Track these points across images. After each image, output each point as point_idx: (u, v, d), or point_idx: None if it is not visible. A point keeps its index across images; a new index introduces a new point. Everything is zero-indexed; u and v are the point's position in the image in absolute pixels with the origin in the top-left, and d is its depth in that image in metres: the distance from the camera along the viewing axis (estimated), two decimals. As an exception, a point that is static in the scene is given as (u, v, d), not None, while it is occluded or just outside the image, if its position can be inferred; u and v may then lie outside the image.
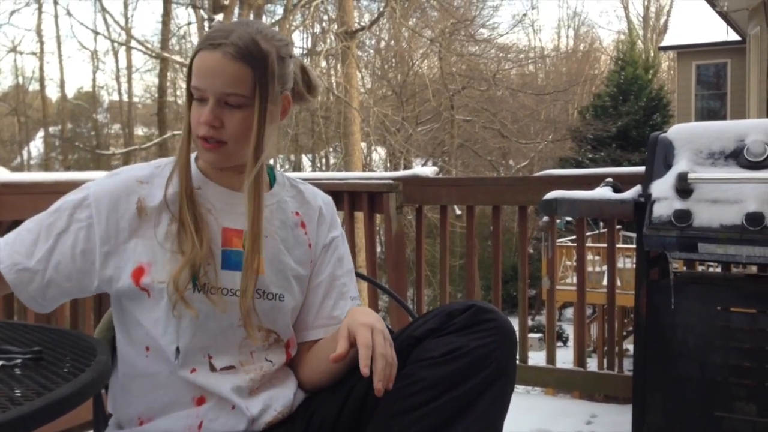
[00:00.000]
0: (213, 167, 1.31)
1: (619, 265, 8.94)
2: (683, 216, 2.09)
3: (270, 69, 1.24)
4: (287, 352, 1.35)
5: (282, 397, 1.30)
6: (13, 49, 20.81)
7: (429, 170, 3.60)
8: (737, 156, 2.13)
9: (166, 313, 1.22)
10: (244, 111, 1.24)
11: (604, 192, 2.41)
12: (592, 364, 3.34)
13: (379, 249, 5.01)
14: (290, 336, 1.36)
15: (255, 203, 1.26)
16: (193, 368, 1.24)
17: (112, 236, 1.24)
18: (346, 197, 3.35)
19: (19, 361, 1.03)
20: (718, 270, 3.06)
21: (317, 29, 16.50)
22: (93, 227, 1.24)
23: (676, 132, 2.27)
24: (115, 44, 19.78)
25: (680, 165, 2.16)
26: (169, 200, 1.27)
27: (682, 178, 2.11)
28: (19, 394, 0.89)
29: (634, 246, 2.55)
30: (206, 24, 14.30)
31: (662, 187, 2.16)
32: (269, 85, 1.24)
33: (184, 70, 17.98)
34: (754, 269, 2.67)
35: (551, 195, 2.42)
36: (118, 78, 22.11)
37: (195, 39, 17.36)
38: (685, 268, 3.17)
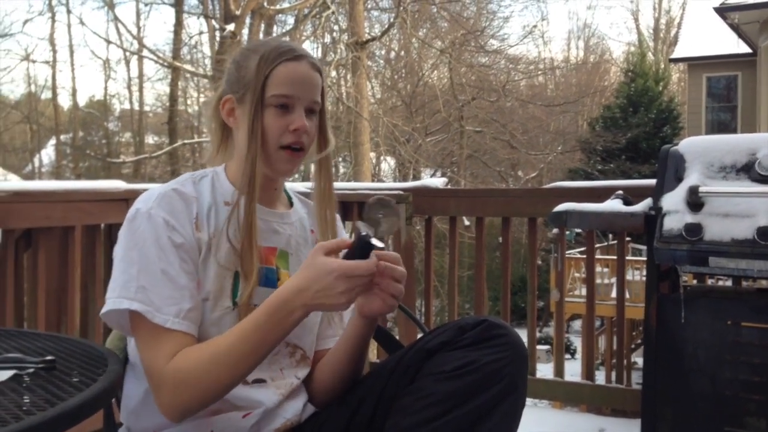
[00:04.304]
0: (287, 177, 1.33)
1: (628, 277, 8.90)
2: (694, 229, 2.08)
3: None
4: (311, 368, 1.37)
5: (292, 407, 1.31)
6: (26, 58, 21.03)
7: (438, 181, 3.60)
8: (749, 170, 2.12)
9: (207, 322, 1.23)
10: (316, 117, 1.30)
11: (614, 204, 2.41)
12: (600, 377, 3.32)
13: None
14: (313, 353, 1.38)
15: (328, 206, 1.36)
16: None
17: None
18: (355, 208, 3.35)
19: (31, 369, 1.04)
20: (729, 284, 3.05)
21: (328, 39, 16.55)
22: None
23: (687, 145, 2.26)
24: (127, 53, 19.94)
25: (691, 178, 2.16)
26: (218, 213, 1.26)
27: (693, 191, 2.10)
28: (30, 404, 0.89)
29: (644, 258, 2.54)
30: (217, 34, 14.38)
31: (673, 201, 2.16)
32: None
33: (195, 79, 18.09)
34: (765, 283, 2.66)
35: (561, 207, 2.42)
36: (129, 87, 22.24)
37: (206, 49, 17.49)
38: (695, 282, 3.16)
